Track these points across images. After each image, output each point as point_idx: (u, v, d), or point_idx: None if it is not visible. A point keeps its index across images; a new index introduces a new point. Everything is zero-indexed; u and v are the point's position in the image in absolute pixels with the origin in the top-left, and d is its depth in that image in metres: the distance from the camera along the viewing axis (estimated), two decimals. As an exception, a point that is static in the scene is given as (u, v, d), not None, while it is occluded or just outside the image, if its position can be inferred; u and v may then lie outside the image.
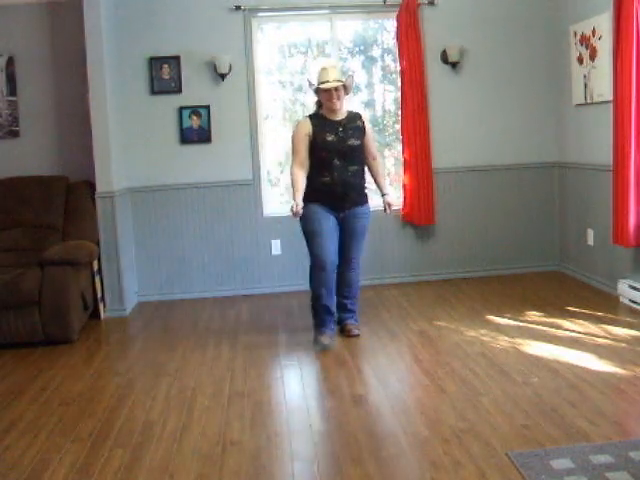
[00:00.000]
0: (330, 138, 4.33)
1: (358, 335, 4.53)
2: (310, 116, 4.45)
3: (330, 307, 4.40)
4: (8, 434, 3.28)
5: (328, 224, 4.36)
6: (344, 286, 4.57)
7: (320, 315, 4.38)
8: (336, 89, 4.29)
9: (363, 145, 4.45)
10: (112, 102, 5.41)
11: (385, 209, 4.60)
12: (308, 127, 4.35)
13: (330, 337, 4.36)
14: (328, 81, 4.27)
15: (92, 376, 4.07)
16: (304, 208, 4.28)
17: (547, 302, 5.13)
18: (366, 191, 4.53)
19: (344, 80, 4.35)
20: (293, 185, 4.33)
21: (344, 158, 4.34)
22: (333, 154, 4.32)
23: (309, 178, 4.35)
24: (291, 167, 4.39)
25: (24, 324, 4.63)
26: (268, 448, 3.02)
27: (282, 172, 6.12)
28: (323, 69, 4.33)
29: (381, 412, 3.34)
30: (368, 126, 4.54)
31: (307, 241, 4.41)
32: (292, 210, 4.26)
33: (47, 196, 5.37)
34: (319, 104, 4.45)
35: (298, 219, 4.37)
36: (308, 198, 4.32)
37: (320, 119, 4.39)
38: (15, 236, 5.27)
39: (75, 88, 5.56)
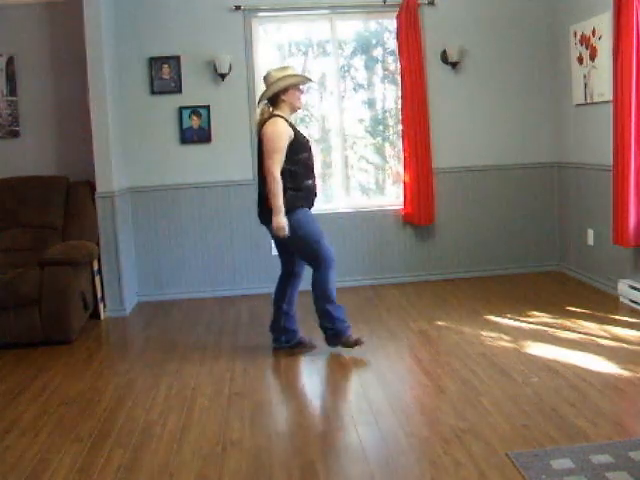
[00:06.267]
0: (308, 139, 4.13)
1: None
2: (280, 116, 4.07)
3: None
4: (8, 434, 3.28)
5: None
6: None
7: (343, 313, 4.21)
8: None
9: None
10: (112, 102, 5.40)
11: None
12: (289, 127, 4.01)
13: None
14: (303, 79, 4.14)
15: (92, 376, 4.07)
16: (297, 214, 3.99)
17: (547, 302, 5.13)
18: None
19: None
20: (278, 195, 3.87)
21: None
22: (312, 155, 4.13)
23: (294, 182, 3.99)
24: (273, 171, 3.89)
25: (24, 324, 4.63)
26: (268, 448, 3.02)
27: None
28: (287, 68, 4.15)
29: (381, 412, 3.34)
30: None
31: (313, 245, 4.05)
32: (281, 229, 3.87)
33: (47, 196, 5.37)
34: (275, 106, 4.06)
35: (289, 230, 3.94)
36: (295, 204, 3.99)
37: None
38: (15, 236, 5.27)
39: (75, 88, 5.56)
